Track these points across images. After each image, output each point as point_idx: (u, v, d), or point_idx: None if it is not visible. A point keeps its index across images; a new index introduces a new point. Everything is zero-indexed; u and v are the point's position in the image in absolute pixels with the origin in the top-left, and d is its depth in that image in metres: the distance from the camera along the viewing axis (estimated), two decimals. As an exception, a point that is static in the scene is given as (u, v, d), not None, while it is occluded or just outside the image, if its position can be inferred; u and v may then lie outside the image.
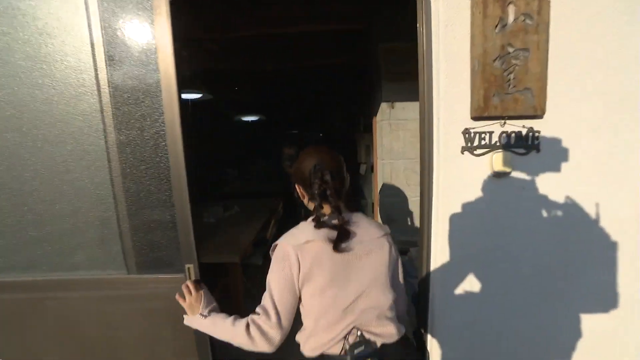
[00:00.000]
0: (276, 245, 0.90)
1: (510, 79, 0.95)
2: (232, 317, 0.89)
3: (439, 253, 1.08)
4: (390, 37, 1.86)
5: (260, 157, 7.82)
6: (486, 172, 1.00)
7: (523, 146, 0.99)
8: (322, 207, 0.90)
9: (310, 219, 0.89)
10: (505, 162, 0.98)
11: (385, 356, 0.88)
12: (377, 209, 2.22)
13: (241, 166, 8.48)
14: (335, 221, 0.88)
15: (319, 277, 0.85)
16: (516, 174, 1.00)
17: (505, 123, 0.97)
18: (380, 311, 0.89)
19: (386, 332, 0.89)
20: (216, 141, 7.62)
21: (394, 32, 1.86)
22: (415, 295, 1.29)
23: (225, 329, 0.88)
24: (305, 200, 0.95)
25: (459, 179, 1.03)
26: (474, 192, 1.02)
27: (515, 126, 0.98)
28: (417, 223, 2.00)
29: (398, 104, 1.92)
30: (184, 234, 1.16)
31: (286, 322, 0.86)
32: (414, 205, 1.98)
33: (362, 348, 0.84)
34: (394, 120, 1.93)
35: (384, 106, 1.92)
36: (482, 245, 1.05)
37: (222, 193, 4.98)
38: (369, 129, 3.51)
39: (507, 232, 1.04)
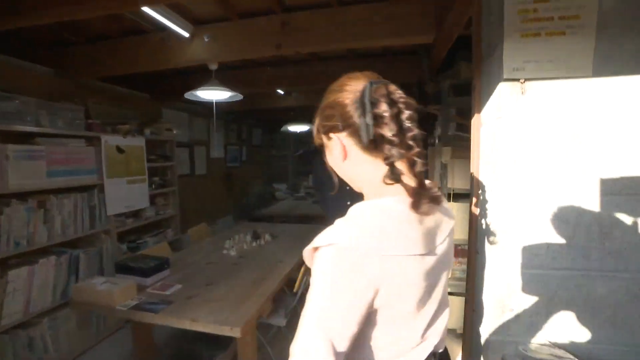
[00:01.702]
0: (331, 247, 0.53)
1: None
2: None
3: None
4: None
5: (312, 172, 7.12)
6: None
7: None
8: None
9: (389, 199, 0.58)
10: None
11: None
12: (474, 280, 1.25)
13: (293, 181, 7.84)
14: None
15: (408, 300, 0.57)
16: None
17: None
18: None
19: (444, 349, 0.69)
20: (262, 150, 7.08)
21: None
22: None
23: None
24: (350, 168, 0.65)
25: None
26: None
27: None
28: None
29: (535, 85, 0.97)
30: None
31: None
32: (566, 283, 0.99)
33: None
34: (526, 117, 0.97)
35: (504, 90, 0.98)
36: None
37: (263, 214, 4.28)
38: (449, 140, 2.52)
39: None
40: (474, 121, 1.20)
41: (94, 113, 2.80)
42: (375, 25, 2.06)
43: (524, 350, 0.98)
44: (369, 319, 0.56)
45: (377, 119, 0.58)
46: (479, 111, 1.16)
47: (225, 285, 1.88)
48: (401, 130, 0.57)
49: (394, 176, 0.58)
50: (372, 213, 0.58)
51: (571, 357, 0.94)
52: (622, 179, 0.93)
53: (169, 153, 3.49)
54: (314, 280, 0.55)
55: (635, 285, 0.95)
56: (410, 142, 0.58)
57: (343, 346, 0.52)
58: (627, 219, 0.93)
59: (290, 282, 2.29)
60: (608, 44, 0.90)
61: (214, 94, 2.45)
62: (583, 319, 0.99)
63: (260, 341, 2.02)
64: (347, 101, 0.61)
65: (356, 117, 0.60)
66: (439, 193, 0.61)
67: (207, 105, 4.32)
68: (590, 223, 0.96)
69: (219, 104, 4.14)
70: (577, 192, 0.95)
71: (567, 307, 1.00)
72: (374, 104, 0.58)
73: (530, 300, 1.02)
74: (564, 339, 1.01)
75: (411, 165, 0.59)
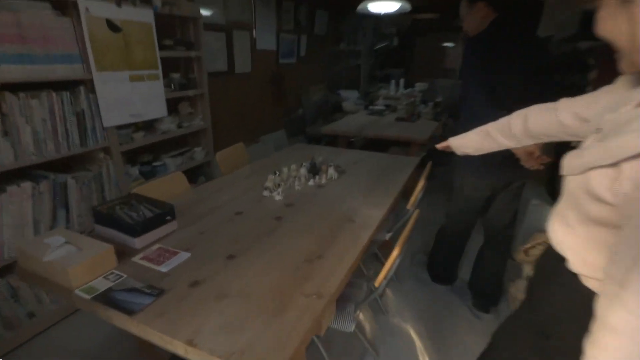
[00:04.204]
0: None
1: None
2: None
3: None
4: None
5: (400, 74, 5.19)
6: None
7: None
8: None
9: None
10: None
11: None
12: None
13: (368, 88, 6.25)
14: None
15: None
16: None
17: None
18: None
19: None
20: (326, 44, 5.15)
21: None
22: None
23: None
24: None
25: None
26: None
27: None
28: None
29: None
30: None
31: None
32: None
33: None
34: None
35: None
36: None
37: (323, 132, 3.23)
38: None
39: None
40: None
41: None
42: None
43: None
44: None
45: None
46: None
47: (257, 262, 1.06)
48: None
49: None
50: None
51: None
52: None
53: (194, 38, 2.46)
54: None
55: None
56: None
57: None
58: None
59: (365, 253, 1.39)
60: None
61: None
62: None
63: None
64: None
65: None
66: None
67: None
68: None
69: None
70: None
71: None
72: None
73: None
74: None
75: None
